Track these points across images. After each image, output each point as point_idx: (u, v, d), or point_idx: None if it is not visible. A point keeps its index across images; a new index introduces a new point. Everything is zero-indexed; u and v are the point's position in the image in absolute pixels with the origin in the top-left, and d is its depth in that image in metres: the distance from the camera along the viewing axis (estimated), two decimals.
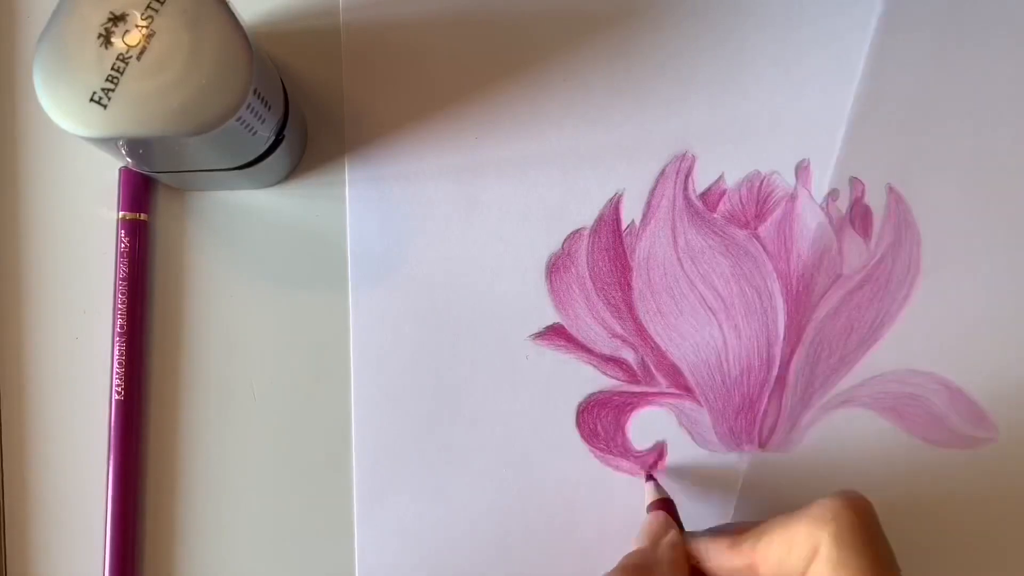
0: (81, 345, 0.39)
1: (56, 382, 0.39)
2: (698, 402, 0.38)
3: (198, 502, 0.38)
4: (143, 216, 0.38)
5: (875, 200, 0.38)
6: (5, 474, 0.38)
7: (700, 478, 0.38)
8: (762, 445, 0.38)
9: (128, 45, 0.30)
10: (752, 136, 0.38)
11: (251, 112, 0.31)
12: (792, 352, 0.38)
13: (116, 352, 0.38)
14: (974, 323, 0.38)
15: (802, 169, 0.39)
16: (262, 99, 0.32)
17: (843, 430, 0.38)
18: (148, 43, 0.30)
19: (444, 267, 0.38)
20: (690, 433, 0.38)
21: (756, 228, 0.38)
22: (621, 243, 0.38)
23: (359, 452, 0.38)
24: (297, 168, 0.39)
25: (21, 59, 0.39)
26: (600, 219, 0.38)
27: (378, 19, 0.39)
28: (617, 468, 0.38)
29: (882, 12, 0.38)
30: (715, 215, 0.38)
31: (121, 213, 0.38)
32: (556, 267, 0.38)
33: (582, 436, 0.38)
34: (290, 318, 0.38)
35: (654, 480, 0.37)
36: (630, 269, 0.38)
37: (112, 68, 0.30)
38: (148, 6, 0.31)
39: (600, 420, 0.38)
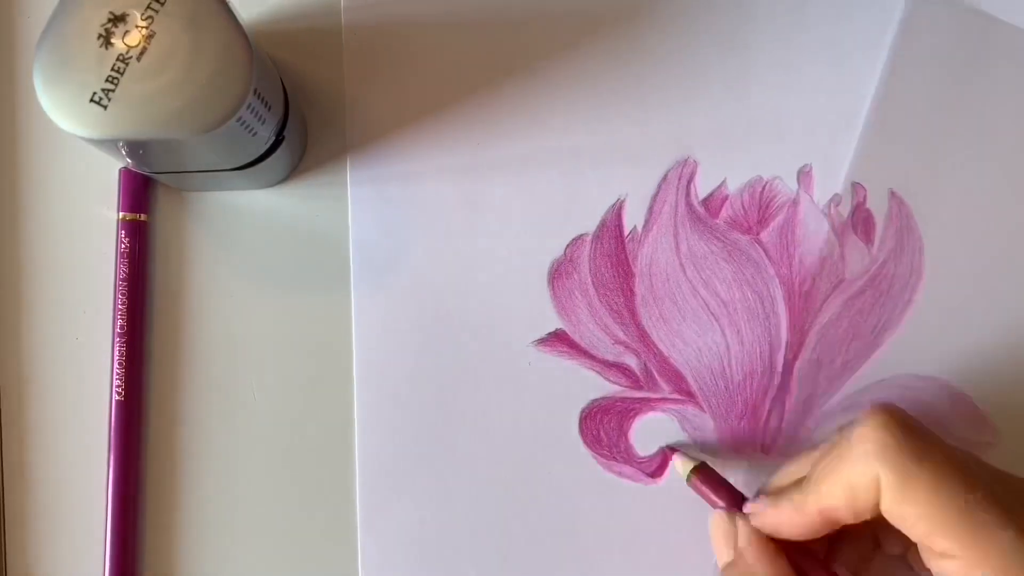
0: (81, 345, 0.38)
1: (56, 382, 0.38)
2: (701, 408, 0.38)
3: (198, 503, 0.38)
4: (143, 217, 0.38)
5: (877, 205, 0.38)
6: (5, 474, 0.38)
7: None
8: (765, 451, 0.38)
9: (128, 46, 0.30)
10: (754, 141, 0.38)
11: (251, 112, 0.31)
12: (795, 357, 0.38)
13: (116, 352, 0.37)
14: (975, 328, 0.38)
15: (804, 174, 0.38)
16: (262, 100, 0.32)
17: None
18: (148, 44, 0.30)
19: (446, 270, 0.38)
20: (693, 439, 0.38)
21: (758, 233, 0.38)
22: (624, 249, 0.38)
23: (362, 456, 0.37)
24: (298, 168, 0.38)
25: (21, 60, 0.39)
26: (602, 225, 0.38)
27: (380, 19, 0.38)
28: (620, 474, 0.37)
29: (902, 18, 0.39)
30: (717, 220, 0.38)
31: (121, 214, 0.38)
32: (558, 273, 0.38)
33: (585, 442, 0.37)
34: (291, 319, 0.38)
35: (678, 451, 0.37)
36: (633, 275, 0.38)
37: (112, 69, 0.30)
38: (148, 6, 0.30)
39: (603, 426, 0.38)
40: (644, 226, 0.38)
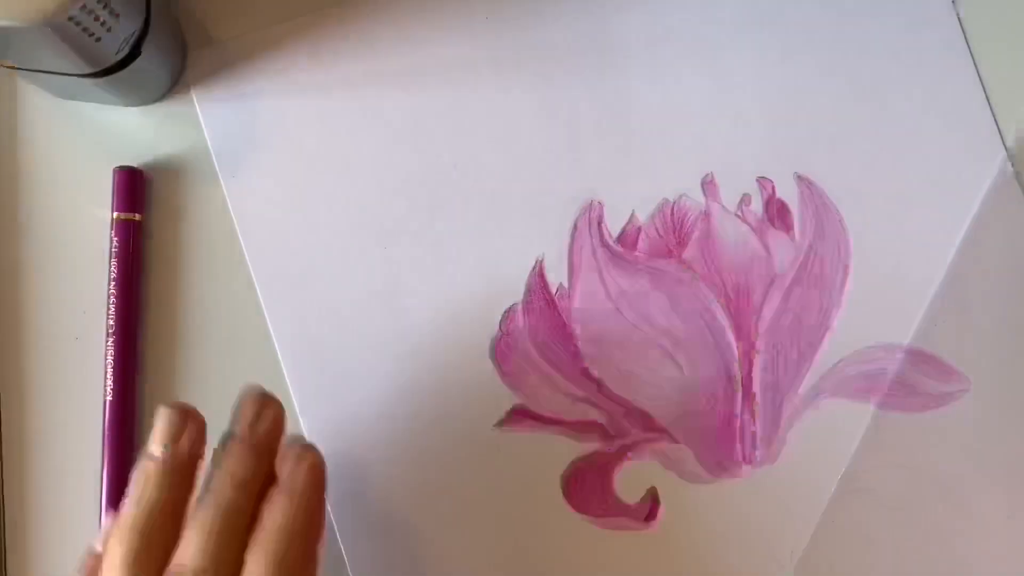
0: (81, 345, 0.38)
1: (56, 382, 0.38)
2: (676, 440, 0.38)
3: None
4: (137, 216, 0.38)
5: (787, 193, 0.38)
6: (5, 474, 0.38)
7: (701, 515, 0.38)
8: (748, 462, 0.38)
9: None
10: (650, 166, 0.38)
11: (88, 14, 0.31)
12: (750, 364, 0.38)
13: (108, 352, 0.37)
14: (915, 282, 0.38)
15: (708, 184, 0.38)
16: (106, 5, 0.32)
17: (822, 425, 0.38)
18: None
19: (388, 378, 0.38)
20: (677, 472, 0.38)
21: (680, 254, 0.38)
22: (556, 308, 0.38)
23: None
24: (177, 85, 0.39)
25: None
26: (529, 290, 0.38)
27: None
28: (616, 528, 0.37)
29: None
30: (637, 253, 0.38)
31: (115, 213, 0.38)
32: (500, 349, 0.38)
33: (574, 507, 0.37)
34: None
35: None
36: (572, 331, 0.38)
37: None
38: None
39: (587, 486, 0.37)
40: (569, 280, 0.38)
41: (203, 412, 0.37)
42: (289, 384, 0.38)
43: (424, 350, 0.38)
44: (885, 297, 0.38)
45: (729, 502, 0.37)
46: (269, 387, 0.37)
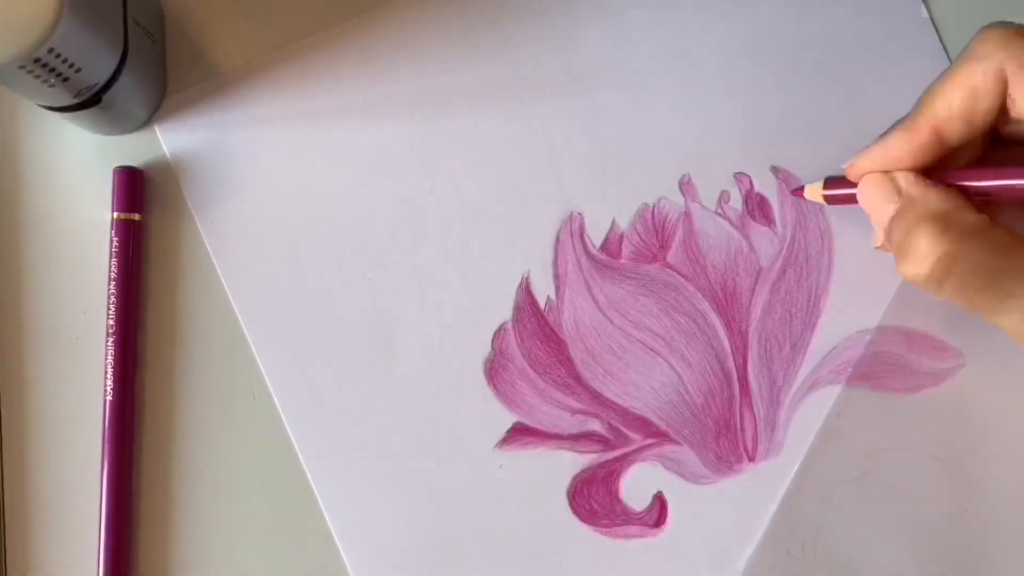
0: (81, 345, 0.39)
1: (56, 382, 0.39)
2: (676, 442, 0.38)
3: (193, 503, 0.38)
4: (137, 216, 0.38)
5: (766, 186, 0.38)
6: (5, 474, 0.38)
7: (709, 515, 0.38)
8: (751, 459, 0.38)
9: None
10: (626, 173, 0.38)
11: (43, 67, 0.31)
12: (744, 360, 0.38)
13: (108, 352, 0.38)
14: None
15: (685, 184, 0.38)
16: (64, 59, 0.32)
17: (822, 415, 0.38)
18: None
19: (400, 414, 0.38)
20: (681, 475, 0.38)
21: (664, 258, 0.38)
22: (546, 323, 0.38)
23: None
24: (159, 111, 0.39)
25: None
26: (517, 308, 0.38)
27: None
28: (627, 537, 0.37)
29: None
30: (622, 260, 0.38)
31: (115, 213, 0.38)
32: (494, 369, 0.38)
33: (582, 520, 0.37)
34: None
35: (800, 191, 0.37)
36: (564, 344, 0.38)
37: None
38: None
39: (593, 498, 0.38)
40: (556, 293, 0.38)
41: (203, 412, 0.38)
42: (286, 422, 0.38)
43: (418, 378, 0.38)
44: (874, 278, 0.38)
45: (735, 499, 0.37)
46: (264, 414, 0.38)
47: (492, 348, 0.38)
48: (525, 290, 0.38)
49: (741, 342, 0.38)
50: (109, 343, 0.38)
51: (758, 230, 0.38)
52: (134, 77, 0.36)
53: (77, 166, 0.39)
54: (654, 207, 0.38)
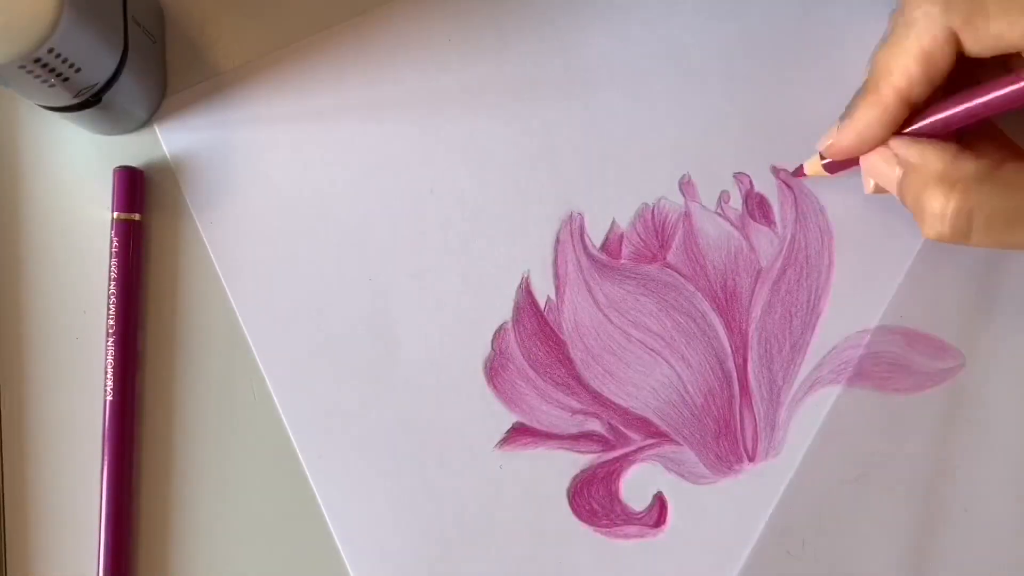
0: (81, 345, 0.39)
1: (56, 382, 0.39)
2: (676, 442, 0.38)
3: (192, 502, 0.38)
4: (137, 216, 0.38)
5: (765, 186, 0.38)
6: (5, 474, 0.38)
7: (709, 515, 0.38)
8: (751, 459, 0.38)
9: None
10: (626, 173, 0.38)
11: (43, 68, 0.31)
12: (744, 360, 0.38)
13: (108, 352, 0.38)
14: (897, 262, 0.38)
15: (685, 184, 0.38)
16: (65, 60, 0.32)
17: (822, 415, 0.38)
18: None
19: (400, 414, 0.38)
20: (680, 475, 0.38)
21: (664, 258, 0.38)
22: (546, 323, 0.38)
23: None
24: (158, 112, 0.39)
25: None
26: (517, 308, 0.38)
27: None
28: (627, 537, 0.37)
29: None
30: (622, 260, 0.38)
31: (115, 213, 0.38)
32: (494, 369, 0.38)
33: (582, 520, 0.37)
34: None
35: (800, 169, 0.37)
36: (564, 344, 0.38)
37: None
38: None
39: (593, 498, 0.38)
40: (556, 293, 0.38)
41: (203, 411, 0.38)
42: (286, 422, 0.38)
43: (418, 378, 0.38)
44: (874, 279, 0.38)
45: (735, 499, 0.37)
46: (264, 414, 0.38)
47: (492, 348, 0.38)
48: (525, 290, 0.38)
49: (741, 342, 0.38)
50: (109, 343, 0.38)
51: (758, 230, 0.38)
52: (134, 77, 0.36)
53: (77, 166, 0.39)
54: (654, 207, 0.38)
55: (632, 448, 0.38)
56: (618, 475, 0.38)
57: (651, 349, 0.38)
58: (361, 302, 0.38)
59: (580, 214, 0.38)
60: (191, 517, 0.38)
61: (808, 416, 0.38)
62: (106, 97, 0.35)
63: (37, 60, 0.31)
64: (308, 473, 0.38)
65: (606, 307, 0.38)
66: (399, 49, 0.39)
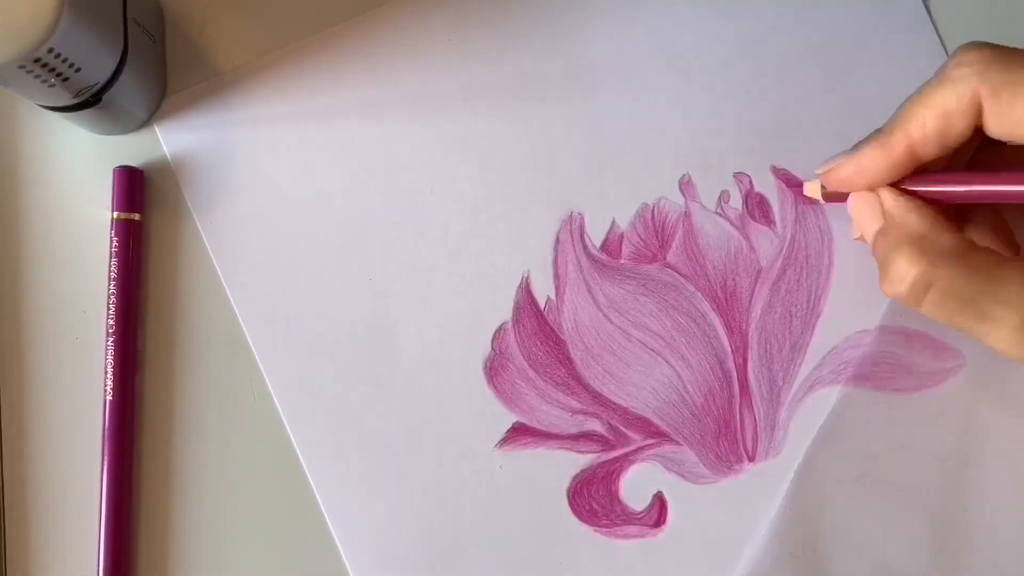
0: (81, 345, 0.39)
1: (56, 382, 0.39)
2: (676, 442, 0.38)
3: (192, 502, 0.38)
4: (137, 216, 0.38)
5: (765, 186, 0.38)
6: (5, 474, 0.38)
7: (709, 515, 0.38)
8: (751, 459, 0.38)
9: None
10: (626, 173, 0.38)
11: (43, 68, 0.31)
12: (744, 360, 0.38)
13: (108, 352, 0.38)
14: None
15: (685, 184, 0.38)
16: (65, 60, 0.32)
17: (822, 414, 0.38)
18: None
19: (400, 414, 0.38)
20: (680, 475, 0.38)
21: (664, 257, 0.38)
22: (546, 322, 0.38)
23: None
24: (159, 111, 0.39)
25: None
26: (517, 308, 0.38)
27: None
28: (627, 537, 0.37)
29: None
30: (622, 260, 0.38)
31: (115, 213, 0.38)
32: (494, 369, 0.38)
33: (581, 520, 0.37)
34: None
35: (800, 188, 0.37)
36: (564, 344, 0.38)
37: None
38: None
39: (593, 498, 0.38)
40: (556, 293, 0.38)
41: (203, 411, 0.38)
42: (286, 422, 0.38)
43: (418, 378, 0.38)
44: (872, 280, 0.38)
45: (735, 499, 0.37)
46: (264, 414, 0.38)
47: (492, 348, 0.38)
48: (525, 290, 0.38)
49: (741, 342, 0.38)
50: (109, 343, 0.38)
51: (758, 230, 0.38)
52: (134, 77, 0.36)
53: (77, 166, 0.39)
54: (654, 207, 0.38)
55: (632, 448, 0.38)
56: (618, 475, 0.38)
57: (651, 349, 0.38)
58: (361, 302, 0.38)
59: (580, 214, 0.38)
60: (191, 517, 0.38)
61: (808, 416, 0.38)
62: (106, 97, 0.35)
63: (37, 60, 0.31)
64: (308, 473, 0.38)
65: (606, 307, 0.38)
66: (399, 49, 0.39)
